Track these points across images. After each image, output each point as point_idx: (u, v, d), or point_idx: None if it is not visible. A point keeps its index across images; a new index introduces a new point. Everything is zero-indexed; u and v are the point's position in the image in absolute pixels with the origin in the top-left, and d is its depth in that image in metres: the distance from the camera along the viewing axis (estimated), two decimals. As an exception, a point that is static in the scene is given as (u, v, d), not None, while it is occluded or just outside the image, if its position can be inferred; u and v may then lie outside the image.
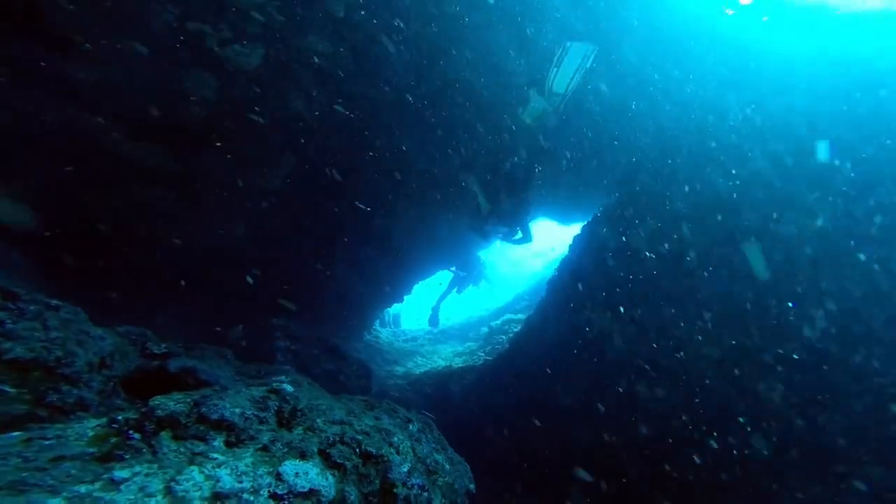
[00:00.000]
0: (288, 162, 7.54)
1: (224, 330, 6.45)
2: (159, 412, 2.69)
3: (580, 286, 7.24)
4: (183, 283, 7.53)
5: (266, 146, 7.02)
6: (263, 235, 8.60)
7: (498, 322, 14.06)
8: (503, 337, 12.99)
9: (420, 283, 15.74)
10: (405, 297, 15.52)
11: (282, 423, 2.71)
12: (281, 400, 2.87)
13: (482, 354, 12.56)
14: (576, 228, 16.78)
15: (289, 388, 3.06)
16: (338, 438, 2.50)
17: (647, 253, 6.16)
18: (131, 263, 6.73)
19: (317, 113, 6.86)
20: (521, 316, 14.21)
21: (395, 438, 2.73)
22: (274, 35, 5.07)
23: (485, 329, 14.50)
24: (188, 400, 2.85)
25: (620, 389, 5.80)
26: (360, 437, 2.52)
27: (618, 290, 6.18)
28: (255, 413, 2.70)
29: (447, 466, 2.98)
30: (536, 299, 14.86)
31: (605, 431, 5.92)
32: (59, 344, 3.19)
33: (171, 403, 2.77)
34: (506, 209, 6.97)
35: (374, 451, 2.48)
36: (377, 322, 15.99)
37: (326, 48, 5.50)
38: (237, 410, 2.68)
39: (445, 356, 14.68)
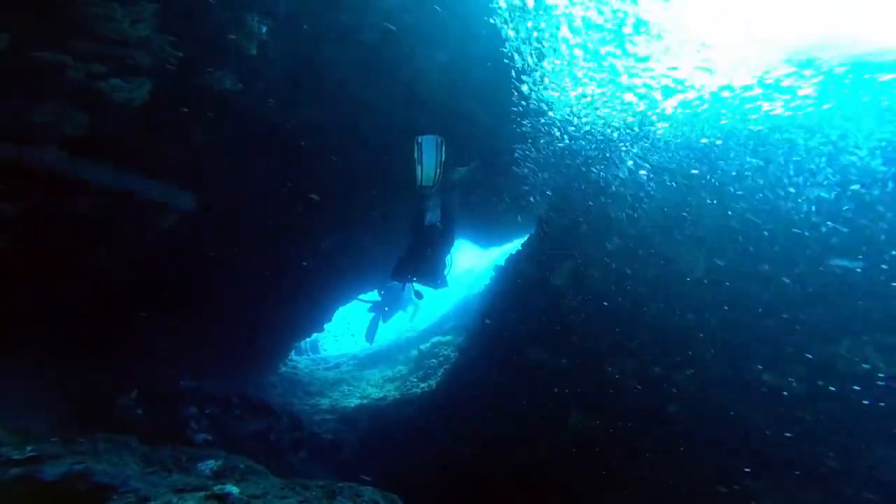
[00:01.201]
0: (185, 201, 6.98)
1: (106, 399, 5.61)
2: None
3: (507, 318, 7.66)
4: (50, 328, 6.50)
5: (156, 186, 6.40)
6: (157, 274, 7.79)
7: (427, 345, 14.15)
8: (433, 361, 13.10)
9: (341, 308, 15.31)
10: (325, 326, 14.96)
11: (231, 539, 2.48)
12: (227, 509, 2.63)
13: (414, 380, 12.54)
14: (494, 253, 17.68)
15: (235, 490, 2.80)
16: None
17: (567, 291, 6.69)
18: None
19: (221, 145, 6.40)
20: (449, 338, 14.46)
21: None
22: (165, 71, 4.56)
23: (414, 352, 14.48)
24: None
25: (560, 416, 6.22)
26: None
27: (550, 324, 6.63)
28: (197, 532, 2.44)
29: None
30: (463, 320, 15.31)
31: (547, 460, 6.28)
32: None
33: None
34: (422, 267, 6.86)
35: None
36: (292, 351, 15.16)
37: (233, 85, 5.13)
38: (174, 533, 2.39)
39: (375, 382, 14.37)
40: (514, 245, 15.64)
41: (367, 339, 15.01)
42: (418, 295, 7.67)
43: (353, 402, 11.75)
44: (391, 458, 8.20)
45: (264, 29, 4.42)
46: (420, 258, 6.80)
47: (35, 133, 3.95)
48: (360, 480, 7.41)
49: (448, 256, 7.22)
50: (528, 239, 8.58)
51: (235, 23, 4.19)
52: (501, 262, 13.91)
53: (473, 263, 20.85)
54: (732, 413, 5.13)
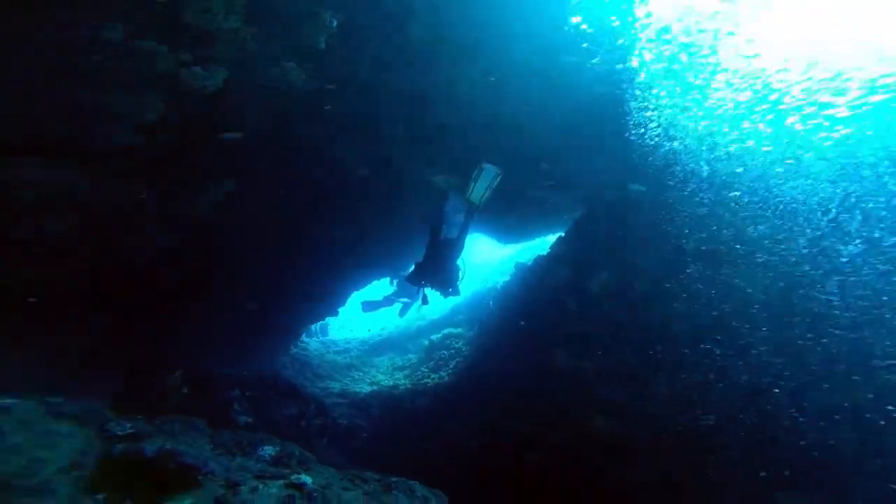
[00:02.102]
0: (223, 186, 7.18)
1: (155, 379, 5.90)
2: (175, 528, 2.55)
3: (532, 323, 7.86)
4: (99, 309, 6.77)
5: (202, 170, 6.59)
6: (186, 256, 8.06)
7: (438, 336, 14.41)
8: (445, 352, 13.38)
9: (355, 293, 15.58)
10: (339, 310, 15.26)
11: (315, 527, 2.72)
12: (307, 498, 2.86)
13: (425, 370, 12.83)
14: (512, 249, 17.81)
15: (308, 480, 3.04)
16: (386, 547, 2.58)
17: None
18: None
19: (269, 133, 6.57)
20: (460, 330, 14.73)
21: (430, 531, 2.89)
22: (242, 61, 4.72)
23: (425, 342, 14.76)
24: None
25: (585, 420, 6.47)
26: (404, 541, 2.64)
27: (582, 330, 6.84)
28: (286, 519, 2.67)
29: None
30: (475, 314, 15.57)
31: (564, 464, 6.54)
32: (18, 452, 2.81)
33: (186, 516, 2.64)
34: (436, 277, 7.39)
35: (421, 554, 2.62)
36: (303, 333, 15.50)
37: (298, 77, 5.26)
38: (266, 518, 2.63)
39: (385, 370, 14.72)
40: (535, 243, 15.88)
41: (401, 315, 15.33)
42: (425, 300, 8.23)
43: (364, 388, 12.07)
44: (403, 448, 8.52)
45: (335, 23, 4.52)
46: (435, 268, 7.31)
47: (113, 119, 4.11)
48: (376, 467, 7.76)
49: (461, 265, 7.68)
50: (562, 240, 8.72)
51: (310, 16, 4.29)
52: (523, 260, 14.12)
53: (487, 258, 21.04)
54: (764, 432, 5.35)
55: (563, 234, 9.59)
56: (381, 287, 18.41)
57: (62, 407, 3.70)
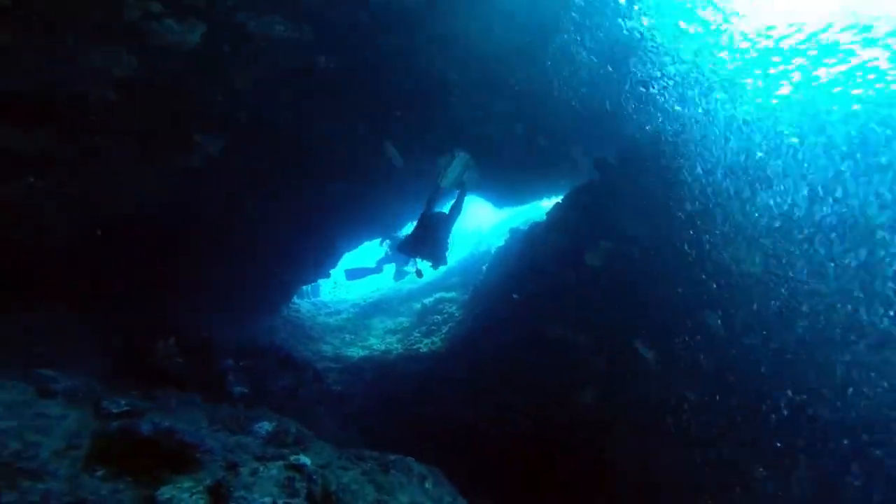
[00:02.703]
0: (215, 142, 7.00)
1: (146, 346, 5.90)
2: (176, 511, 2.62)
3: (527, 293, 7.93)
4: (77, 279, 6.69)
5: (189, 127, 6.36)
6: (175, 214, 7.94)
7: (431, 300, 14.57)
8: (437, 317, 13.58)
9: (347, 254, 15.57)
10: (331, 272, 15.28)
11: (316, 508, 2.82)
12: (307, 480, 2.94)
13: (418, 335, 13.06)
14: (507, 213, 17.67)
15: (307, 461, 3.12)
16: (387, 529, 2.70)
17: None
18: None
19: (259, 90, 6.30)
20: (453, 294, 14.89)
21: (429, 512, 3.02)
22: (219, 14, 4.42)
23: (417, 305, 14.94)
24: (200, 487, 2.80)
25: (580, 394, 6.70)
26: (405, 524, 2.76)
27: (578, 302, 6.92)
28: (287, 501, 2.76)
29: (466, 522, 3.37)
30: (468, 278, 15.69)
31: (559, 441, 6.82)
32: (12, 435, 2.83)
33: (185, 496, 2.71)
34: (426, 249, 7.79)
35: (420, 535, 2.75)
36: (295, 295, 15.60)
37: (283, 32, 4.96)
38: (267, 500, 2.71)
39: (377, 332, 14.95)
40: (531, 207, 15.79)
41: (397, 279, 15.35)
42: (419, 273, 8.48)
43: (357, 351, 12.30)
44: (396, 414, 8.80)
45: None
46: (425, 241, 7.69)
47: (88, 76, 3.86)
48: (370, 436, 8.05)
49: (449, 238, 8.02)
50: (559, 208, 8.65)
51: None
52: (518, 226, 14.09)
53: (480, 221, 20.96)
54: (746, 408, 5.60)
55: (560, 201, 9.52)
56: (372, 249, 18.41)
57: (54, 382, 3.72)
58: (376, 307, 17.20)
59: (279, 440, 4.01)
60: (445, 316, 13.48)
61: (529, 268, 8.28)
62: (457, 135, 10.41)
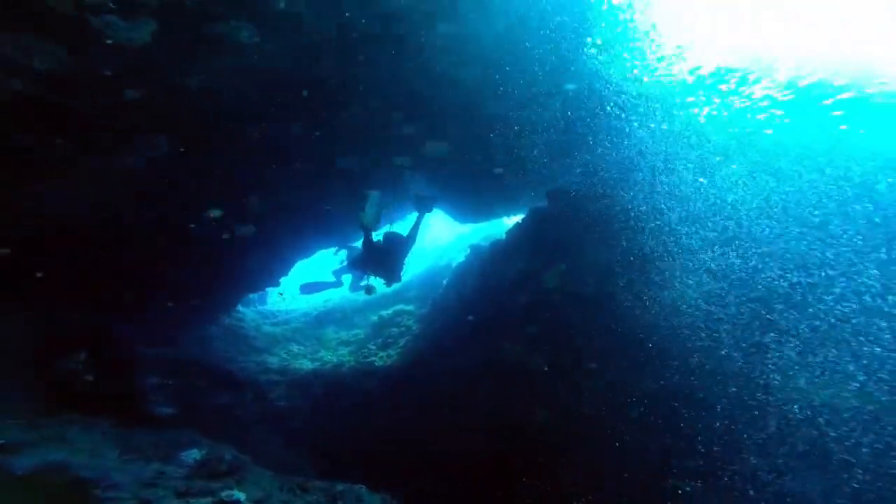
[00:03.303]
0: (157, 143, 6.61)
1: (44, 359, 5.25)
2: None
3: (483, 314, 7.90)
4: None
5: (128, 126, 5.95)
6: (106, 213, 7.35)
7: (388, 312, 14.24)
8: (395, 329, 13.27)
9: (300, 262, 14.99)
10: (281, 280, 14.67)
11: (248, 556, 2.51)
12: (239, 522, 2.63)
13: (373, 347, 12.69)
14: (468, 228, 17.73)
15: (241, 497, 2.81)
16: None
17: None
18: None
19: (213, 91, 5.96)
20: (411, 307, 14.63)
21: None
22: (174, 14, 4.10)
23: (374, 317, 14.55)
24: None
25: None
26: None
27: (533, 323, 6.92)
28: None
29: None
30: (426, 291, 15.49)
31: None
32: None
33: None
34: (381, 267, 8.05)
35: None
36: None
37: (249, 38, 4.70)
38: (190, 549, 2.38)
39: (329, 344, 14.42)
40: (494, 224, 15.89)
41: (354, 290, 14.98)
42: (368, 290, 8.60)
43: (306, 364, 11.78)
44: (346, 432, 8.41)
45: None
46: (380, 259, 7.94)
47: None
48: (317, 456, 7.63)
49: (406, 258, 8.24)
50: (519, 228, 8.69)
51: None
52: (478, 242, 14.09)
53: (439, 235, 20.89)
54: (689, 425, 5.81)
55: (520, 222, 9.59)
56: (327, 258, 17.83)
57: None
58: (328, 317, 16.61)
59: (210, 469, 3.64)
60: (403, 329, 13.20)
61: (487, 287, 8.24)
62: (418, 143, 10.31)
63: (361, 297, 17.45)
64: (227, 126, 7.31)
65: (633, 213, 6.65)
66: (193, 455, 3.63)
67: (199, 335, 11.30)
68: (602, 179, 7.10)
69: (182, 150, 6.66)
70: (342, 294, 17.92)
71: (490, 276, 8.31)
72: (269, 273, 13.36)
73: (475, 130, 8.76)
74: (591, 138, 7.26)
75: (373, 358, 11.56)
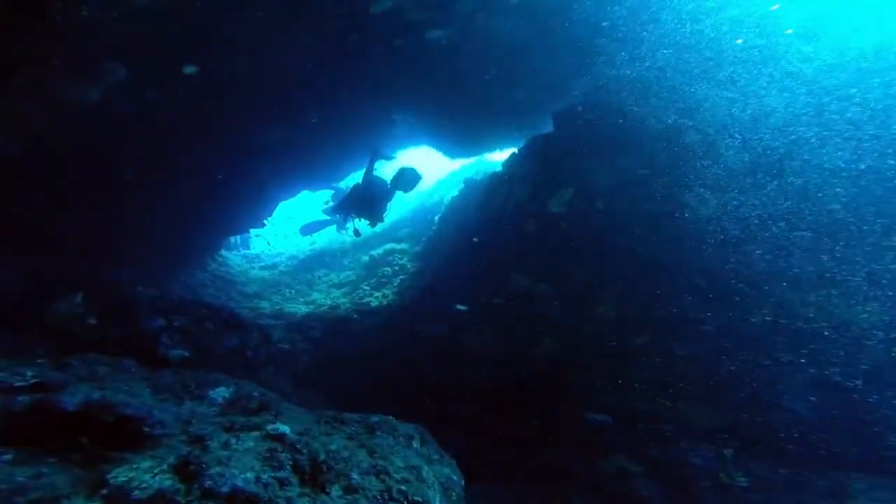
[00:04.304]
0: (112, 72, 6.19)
1: (36, 303, 5.11)
2: (137, 495, 2.30)
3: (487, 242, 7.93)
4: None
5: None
6: (75, 149, 6.93)
7: (380, 251, 14.22)
8: (388, 269, 13.31)
9: (284, 202, 14.67)
10: (266, 221, 14.40)
11: (305, 480, 2.60)
12: (291, 450, 2.70)
13: (367, 288, 12.77)
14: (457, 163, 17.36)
15: (287, 429, 2.87)
16: (387, 496, 2.56)
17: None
18: None
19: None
20: (404, 245, 14.61)
21: (424, 472, 2.92)
22: None
23: (364, 258, 14.54)
24: (164, 466, 2.48)
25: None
26: (404, 488, 2.64)
27: (539, 251, 6.99)
28: (273, 475, 2.51)
29: (454, 477, 3.34)
30: (420, 229, 15.41)
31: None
32: None
33: (147, 478, 2.38)
34: (365, 210, 8.53)
35: (420, 499, 2.65)
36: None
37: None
38: (249, 476, 2.45)
39: (320, 287, 14.46)
40: (484, 157, 15.60)
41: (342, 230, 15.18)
42: (357, 233, 9.19)
43: (300, 308, 11.83)
44: (351, 372, 8.65)
45: None
46: (364, 203, 8.38)
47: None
48: (327, 395, 7.86)
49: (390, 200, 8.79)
50: (519, 157, 8.54)
51: None
52: (472, 175, 13.89)
53: (429, 170, 20.48)
54: (685, 352, 6.16)
55: (517, 151, 9.41)
56: (310, 198, 17.40)
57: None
58: (317, 260, 16.52)
59: (241, 407, 3.70)
60: (396, 268, 13.24)
61: (489, 218, 8.19)
62: (416, 75, 9.85)
63: (349, 238, 17.37)
64: (199, 53, 6.80)
65: (654, 132, 6.38)
66: (222, 393, 3.66)
67: (187, 281, 11.17)
68: (623, 95, 6.73)
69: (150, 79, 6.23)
70: (328, 236, 17.76)
71: (491, 207, 8.24)
72: (254, 214, 13.09)
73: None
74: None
75: (368, 299, 11.66)
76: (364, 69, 9.27)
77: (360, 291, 12.67)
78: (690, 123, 6.09)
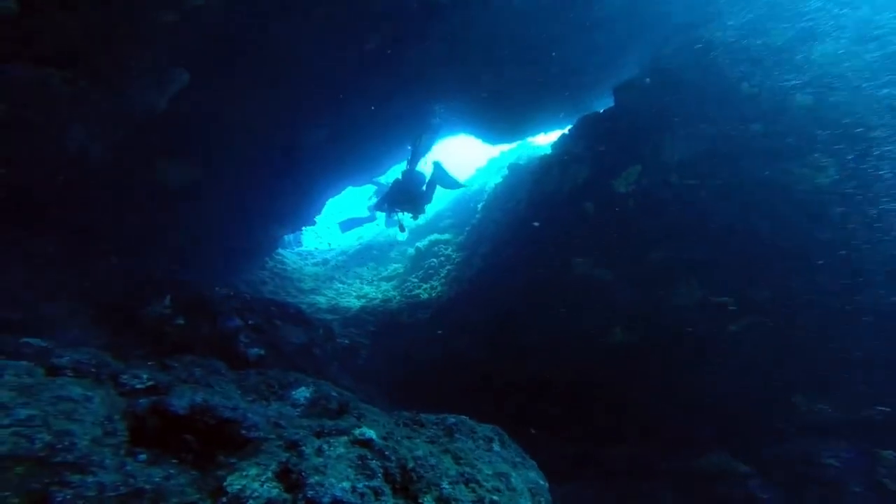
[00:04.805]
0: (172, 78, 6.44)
1: (130, 305, 5.45)
2: None
3: (544, 228, 7.73)
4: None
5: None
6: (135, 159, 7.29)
7: (424, 243, 14.29)
8: (434, 260, 13.38)
9: (331, 199, 14.96)
10: (316, 218, 14.75)
11: (397, 489, 2.64)
12: (380, 457, 2.76)
13: (415, 280, 12.90)
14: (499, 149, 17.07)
15: (373, 434, 2.93)
16: (481, 505, 2.56)
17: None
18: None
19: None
20: (447, 236, 14.62)
21: (513, 479, 2.91)
22: None
23: (410, 250, 14.66)
24: (268, 474, 2.58)
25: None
26: (496, 498, 2.63)
27: (604, 235, 6.75)
28: (367, 484, 2.57)
29: (540, 481, 3.32)
30: (462, 217, 15.35)
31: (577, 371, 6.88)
32: (38, 425, 2.50)
33: (255, 486, 2.49)
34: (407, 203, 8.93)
35: (513, 507, 2.64)
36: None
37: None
38: (346, 485, 2.52)
39: (369, 280, 14.74)
40: (524, 142, 15.27)
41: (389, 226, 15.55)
42: (401, 227, 9.78)
43: (353, 302, 12.11)
44: (409, 366, 8.78)
45: None
46: (406, 197, 8.70)
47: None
48: (389, 390, 8.02)
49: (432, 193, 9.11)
50: (572, 136, 8.26)
51: None
52: (515, 161, 13.65)
53: (467, 161, 20.34)
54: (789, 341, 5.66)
55: (567, 131, 9.11)
56: (357, 193, 17.66)
57: (57, 357, 3.33)
58: (365, 254, 16.85)
59: (321, 407, 3.81)
60: (442, 259, 13.29)
61: (541, 201, 7.97)
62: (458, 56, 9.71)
63: (395, 231, 17.57)
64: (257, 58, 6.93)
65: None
66: (303, 393, 3.78)
67: (250, 279, 11.65)
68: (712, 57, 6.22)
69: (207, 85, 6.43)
70: (374, 230, 18.02)
71: (543, 191, 8.03)
72: (305, 212, 13.47)
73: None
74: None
75: (418, 291, 11.79)
76: (402, 57, 9.29)
77: (408, 284, 12.82)
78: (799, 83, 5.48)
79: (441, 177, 9.54)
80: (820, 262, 5.29)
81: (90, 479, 2.45)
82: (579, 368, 6.94)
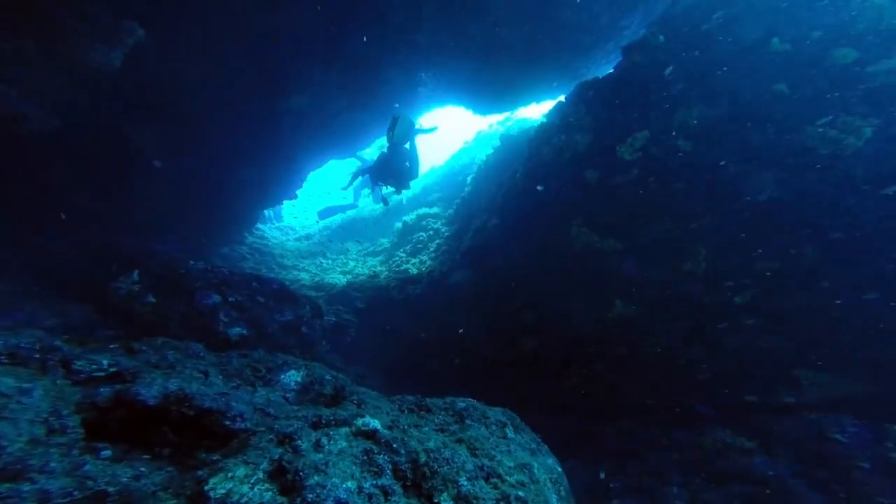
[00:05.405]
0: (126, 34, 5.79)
1: (95, 281, 4.92)
2: (236, 511, 2.02)
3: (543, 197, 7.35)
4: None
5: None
6: (107, 123, 6.61)
7: (412, 217, 13.81)
8: (422, 234, 12.94)
9: (313, 172, 14.32)
10: (297, 192, 14.10)
11: (408, 487, 2.29)
12: (388, 450, 2.39)
13: (403, 255, 12.48)
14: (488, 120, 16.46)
15: (378, 424, 2.56)
16: None
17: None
18: None
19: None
20: (436, 209, 14.16)
21: (536, 471, 2.59)
22: None
23: (397, 224, 14.18)
24: (259, 474, 2.19)
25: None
26: (522, 494, 2.30)
27: (606, 205, 6.41)
28: (374, 483, 2.21)
29: (558, 469, 3.02)
30: (451, 192, 14.86)
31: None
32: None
33: (244, 489, 2.10)
34: (391, 177, 8.78)
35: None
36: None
37: None
38: (351, 486, 2.15)
39: (354, 256, 14.25)
40: (519, 112, 14.73)
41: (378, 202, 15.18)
42: (386, 202, 9.50)
43: (339, 278, 11.64)
44: (397, 342, 8.43)
45: None
46: (390, 170, 8.60)
47: None
48: (381, 369, 7.68)
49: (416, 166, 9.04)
50: (570, 103, 7.81)
51: None
52: (509, 132, 13.13)
53: (455, 134, 19.68)
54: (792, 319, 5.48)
55: (564, 98, 8.66)
56: (339, 165, 16.98)
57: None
58: (349, 229, 16.29)
59: (315, 392, 3.43)
60: (431, 233, 12.86)
61: (538, 171, 7.55)
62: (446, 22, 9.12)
63: (379, 207, 16.98)
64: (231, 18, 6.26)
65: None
66: (294, 377, 3.39)
67: (228, 255, 11.07)
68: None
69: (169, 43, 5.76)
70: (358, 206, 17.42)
71: (540, 160, 7.60)
72: (286, 185, 12.86)
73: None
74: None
75: (406, 266, 11.37)
76: (387, 20, 8.68)
77: (395, 258, 12.39)
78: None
79: (409, 129, 9.26)
80: (837, 234, 5.02)
81: (26, 487, 2.04)
82: (578, 343, 6.70)
